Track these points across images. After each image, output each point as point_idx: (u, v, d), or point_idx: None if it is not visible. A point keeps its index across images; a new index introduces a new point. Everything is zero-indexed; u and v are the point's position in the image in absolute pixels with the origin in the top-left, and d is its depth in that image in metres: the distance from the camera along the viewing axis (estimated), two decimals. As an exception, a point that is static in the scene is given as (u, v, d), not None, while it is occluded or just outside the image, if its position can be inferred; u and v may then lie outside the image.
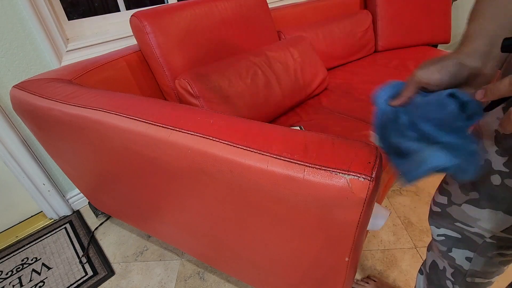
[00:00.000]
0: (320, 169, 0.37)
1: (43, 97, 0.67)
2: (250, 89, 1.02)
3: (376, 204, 0.48)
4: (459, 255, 0.55)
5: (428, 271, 0.67)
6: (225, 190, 0.47)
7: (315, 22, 1.54)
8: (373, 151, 0.39)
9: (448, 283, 0.61)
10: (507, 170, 0.40)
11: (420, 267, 0.72)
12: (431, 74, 0.34)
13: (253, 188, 0.43)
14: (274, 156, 0.40)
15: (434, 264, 0.64)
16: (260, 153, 0.41)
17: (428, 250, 0.67)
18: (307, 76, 1.22)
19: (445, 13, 1.72)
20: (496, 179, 0.42)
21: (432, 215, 0.58)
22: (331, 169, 0.37)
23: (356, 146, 0.40)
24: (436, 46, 1.91)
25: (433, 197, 0.58)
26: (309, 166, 0.38)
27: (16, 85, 0.76)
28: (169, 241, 0.88)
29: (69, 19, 1.11)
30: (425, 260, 0.68)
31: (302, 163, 0.39)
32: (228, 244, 0.63)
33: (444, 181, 0.54)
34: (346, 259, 0.46)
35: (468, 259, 0.54)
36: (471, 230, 0.50)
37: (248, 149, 0.42)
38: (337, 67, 1.61)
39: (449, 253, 0.56)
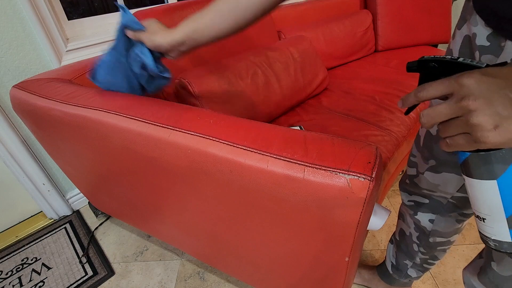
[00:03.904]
0: (320, 169, 0.37)
1: (43, 97, 0.67)
2: (250, 89, 1.02)
3: (376, 204, 0.48)
4: (424, 217, 0.65)
5: (397, 239, 0.76)
6: (225, 190, 0.47)
7: (315, 22, 1.54)
8: (373, 151, 0.39)
9: (415, 246, 0.71)
10: None
11: (391, 237, 0.81)
12: (147, 42, 0.55)
13: (253, 188, 0.43)
14: (274, 156, 0.40)
15: (402, 232, 0.74)
16: (260, 153, 0.41)
17: (398, 218, 0.76)
18: (307, 76, 1.22)
19: (445, 13, 1.72)
20: None
21: (404, 185, 0.67)
22: (331, 169, 0.37)
23: (356, 146, 0.40)
24: (436, 46, 1.91)
25: (405, 171, 0.66)
26: (309, 166, 0.38)
27: (16, 85, 0.76)
28: (169, 241, 0.88)
29: (69, 19, 1.11)
30: (395, 230, 0.78)
31: (302, 163, 0.39)
32: (228, 244, 0.63)
33: (411, 155, 0.62)
34: (346, 259, 0.46)
35: (431, 220, 0.64)
36: (434, 194, 0.60)
37: (248, 149, 0.42)
38: (337, 67, 1.61)
39: (415, 216, 0.67)
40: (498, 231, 0.32)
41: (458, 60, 0.30)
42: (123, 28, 0.57)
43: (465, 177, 0.33)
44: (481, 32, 0.38)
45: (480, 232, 0.35)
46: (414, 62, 0.34)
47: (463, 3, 0.44)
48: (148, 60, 0.57)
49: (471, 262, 0.59)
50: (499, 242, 0.33)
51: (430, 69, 0.32)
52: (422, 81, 0.33)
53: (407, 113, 0.38)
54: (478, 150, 0.29)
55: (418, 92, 0.30)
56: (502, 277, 0.49)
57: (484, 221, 0.33)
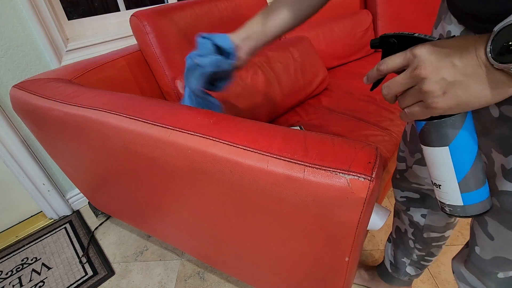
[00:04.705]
0: (320, 169, 0.37)
1: (43, 97, 0.67)
2: (250, 89, 1.02)
3: (376, 204, 0.48)
4: (416, 213, 0.66)
5: (394, 236, 0.78)
6: (225, 190, 0.47)
7: (315, 22, 1.54)
8: (373, 151, 0.39)
9: (410, 242, 0.72)
10: None
11: (388, 236, 0.83)
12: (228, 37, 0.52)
13: (253, 188, 0.43)
14: (274, 156, 0.40)
15: (397, 229, 0.75)
16: (260, 153, 0.41)
17: (393, 216, 0.77)
18: (307, 76, 1.22)
19: (445, 13, 1.73)
20: None
21: (395, 180, 0.68)
22: (331, 169, 0.37)
23: (356, 146, 0.40)
24: (436, 46, 1.91)
25: (396, 167, 0.67)
26: (309, 166, 0.38)
27: (16, 85, 0.76)
28: (169, 241, 0.88)
29: (69, 19, 1.11)
30: (392, 228, 0.79)
31: (302, 163, 0.39)
32: (228, 244, 0.63)
33: (400, 150, 0.63)
34: (346, 259, 0.46)
35: (423, 215, 0.65)
36: (424, 188, 0.60)
37: (248, 149, 0.42)
38: (337, 67, 1.61)
39: (407, 212, 0.68)
40: (451, 196, 0.35)
41: (414, 35, 0.32)
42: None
43: (422, 147, 0.36)
44: (455, 30, 0.40)
45: (437, 200, 0.38)
46: (377, 39, 0.37)
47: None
48: (225, 42, 0.53)
49: (459, 252, 0.61)
50: (453, 206, 0.35)
51: (391, 45, 0.35)
52: (384, 57, 0.35)
53: (372, 89, 0.40)
54: (432, 118, 0.32)
55: (379, 66, 0.33)
56: (484, 260, 0.50)
57: (440, 188, 0.36)
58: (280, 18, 0.52)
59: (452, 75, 0.26)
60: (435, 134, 0.33)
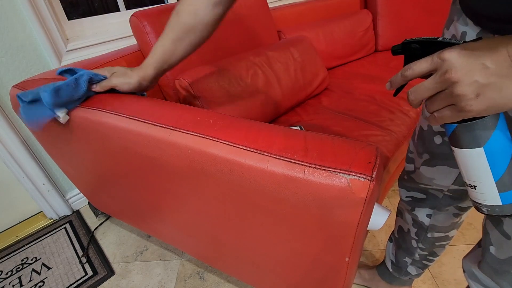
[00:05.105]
0: (320, 169, 0.37)
1: (43, 97, 0.67)
2: (250, 89, 1.02)
3: (376, 204, 0.48)
4: (421, 213, 0.66)
5: (396, 236, 0.77)
6: (225, 190, 0.47)
7: (315, 22, 1.54)
8: (374, 151, 0.39)
9: (413, 242, 0.71)
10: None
11: (390, 235, 0.82)
12: (121, 85, 0.61)
13: (253, 188, 0.43)
14: (274, 156, 0.40)
15: (400, 228, 0.75)
16: (260, 153, 0.41)
17: (396, 216, 0.77)
18: (308, 76, 1.22)
19: (445, 13, 1.72)
20: (438, 139, 0.52)
21: (402, 181, 0.68)
22: (331, 169, 0.37)
23: (356, 146, 0.40)
24: (436, 46, 1.91)
25: (404, 168, 0.67)
26: (310, 166, 0.38)
27: (16, 85, 0.76)
28: (169, 241, 0.88)
29: (69, 19, 1.11)
30: (394, 227, 0.79)
31: (302, 163, 0.38)
32: (228, 244, 0.63)
33: (409, 151, 0.63)
34: (346, 259, 0.46)
35: (429, 215, 0.65)
36: (431, 188, 0.60)
37: (248, 149, 0.42)
38: (337, 67, 1.61)
39: (412, 211, 0.68)
40: (489, 196, 0.34)
41: (438, 39, 0.32)
42: (86, 82, 0.60)
43: (454, 149, 0.35)
44: (471, 31, 0.40)
45: (472, 201, 0.37)
46: (399, 45, 0.36)
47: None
48: None
49: (471, 251, 0.60)
50: (491, 206, 0.35)
51: (413, 51, 0.34)
52: (407, 63, 0.34)
53: (395, 94, 0.40)
54: (464, 121, 0.31)
55: (404, 71, 0.32)
56: (499, 260, 0.49)
57: (475, 189, 0.35)
58: (178, 53, 0.58)
59: (484, 77, 0.26)
60: (468, 136, 0.32)
